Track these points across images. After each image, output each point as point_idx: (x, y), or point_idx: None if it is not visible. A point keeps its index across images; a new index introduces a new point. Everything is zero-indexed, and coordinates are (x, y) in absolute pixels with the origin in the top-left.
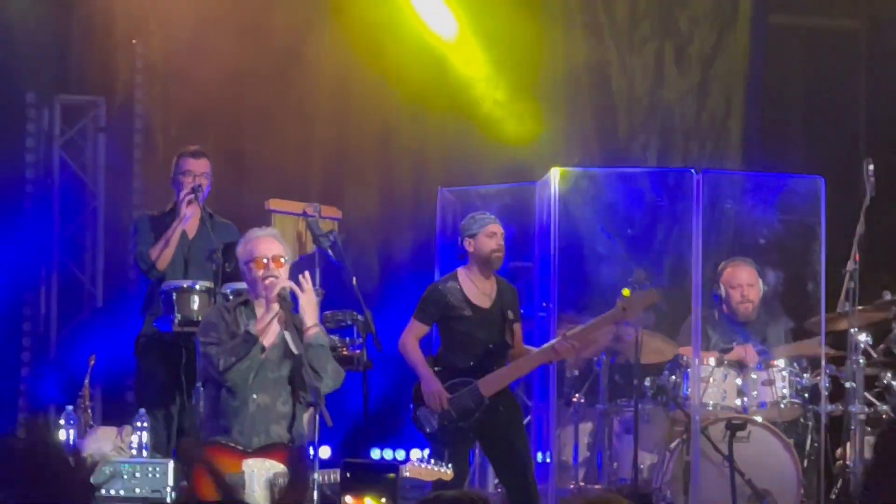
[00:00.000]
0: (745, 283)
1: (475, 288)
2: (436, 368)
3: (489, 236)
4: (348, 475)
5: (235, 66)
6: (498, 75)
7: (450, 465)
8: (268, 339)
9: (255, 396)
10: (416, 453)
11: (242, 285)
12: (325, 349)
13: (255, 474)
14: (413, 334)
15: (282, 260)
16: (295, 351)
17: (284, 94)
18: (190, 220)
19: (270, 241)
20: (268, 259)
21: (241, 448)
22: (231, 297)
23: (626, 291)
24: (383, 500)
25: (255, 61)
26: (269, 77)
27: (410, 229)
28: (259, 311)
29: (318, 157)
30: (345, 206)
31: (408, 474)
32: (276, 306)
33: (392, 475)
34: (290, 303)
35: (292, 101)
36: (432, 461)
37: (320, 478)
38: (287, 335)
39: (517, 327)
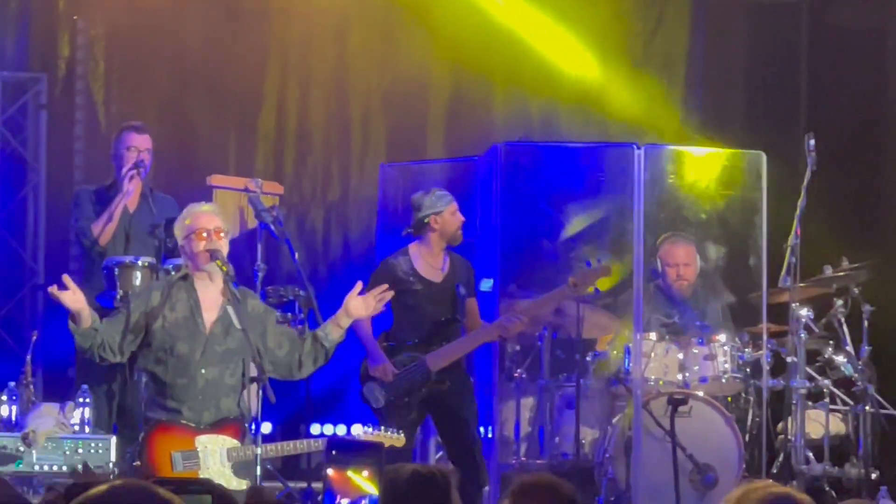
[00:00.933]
0: (682, 262)
1: (426, 263)
2: (386, 343)
3: (453, 213)
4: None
5: (177, 40)
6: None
7: (400, 432)
8: (210, 315)
9: (203, 371)
10: (357, 428)
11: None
12: (331, 351)
13: (209, 449)
14: None
15: (222, 234)
16: (237, 325)
17: (227, 70)
18: (131, 195)
19: (211, 215)
20: (208, 232)
21: (192, 425)
22: (172, 272)
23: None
24: (365, 472)
25: (198, 36)
26: (211, 52)
27: (352, 204)
28: (199, 284)
29: (261, 133)
30: (286, 181)
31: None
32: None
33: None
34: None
35: (235, 76)
36: (381, 428)
37: (263, 452)
38: (230, 309)
39: (471, 302)
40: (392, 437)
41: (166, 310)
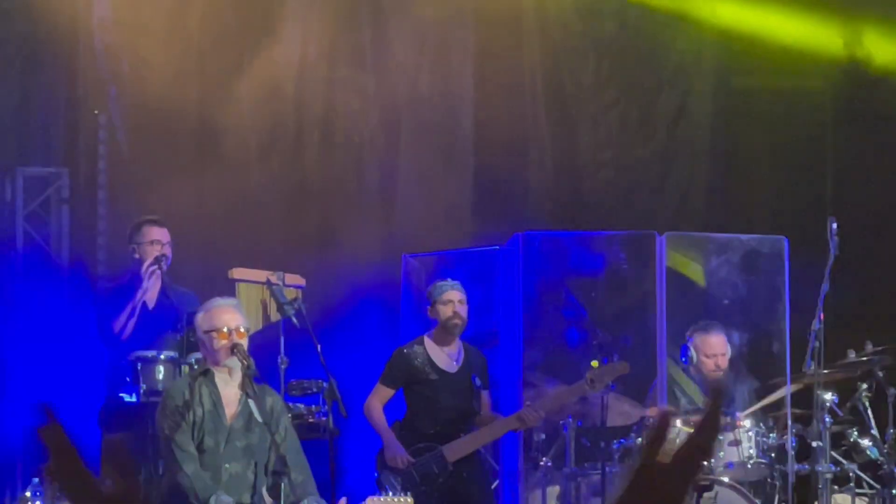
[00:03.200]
0: (720, 352)
1: (441, 352)
2: (401, 433)
3: (444, 304)
4: None
5: (197, 133)
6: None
7: (409, 494)
8: (231, 409)
9: (226, 466)
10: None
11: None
12: None
13: None
14: (378, 398)
15: (242, 330)
16: (259, 419)
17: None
18: (151, 290)
19: (233, 312)
20: (230, 329)
21: None
22: (196, 367)
23: (594, 363)
24: None
25: (215, 135)
26: (230, 143)
27: (376, 296)
28: (219, 379)
29: (281, 224)
30: (308, 273)
31: None
32: None
33: None
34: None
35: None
36: (390, 494)
37: None
38: (252, 403)
39: (485, 395)
40: (401, 502)
41: (195, 405)
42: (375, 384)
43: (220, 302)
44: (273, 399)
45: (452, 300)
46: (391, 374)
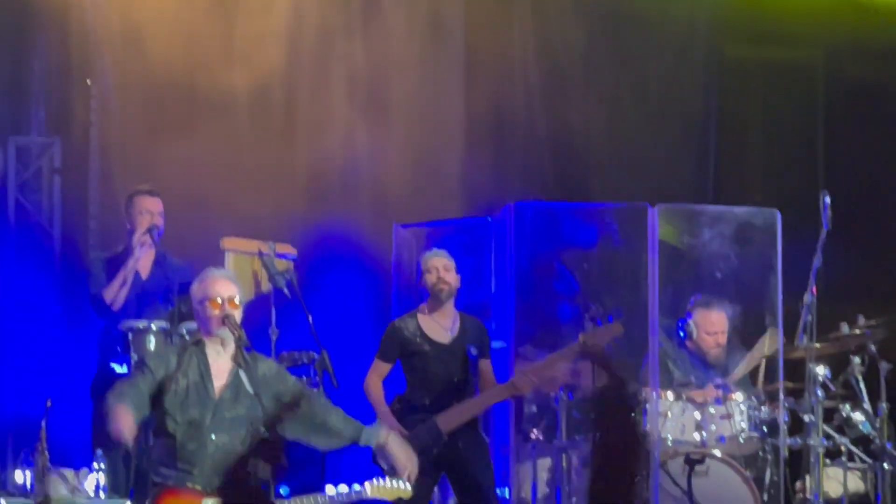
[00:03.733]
0: (719, 329)
1: (435, 323)
2: (400, 406)
3: (429, 271)
4: None
5: (189, 103)
6: None
7: (407, 483)
8: (220, 381)
9: (213, 437)
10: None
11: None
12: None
13: None
14: (376, 373)
15: (236, 301)
16: (249, 390)
17: (236, 130)
18: (143, 258)
19: (226, 282)
20: (223, 299)
21: (198, 488)
22: (187, 337)
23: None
24: None
25: (207, 98)
26: (222, 114)
27: (367, 266)
28: (210, 350)
29: (273, 195)
30: (300, 242)
31: (369, 493)
32: None
33: None
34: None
35: (245, 137)
36: (387, 479)
37: None
38: (242, 374)
39: (485, 363)
40: (399, 490)
41: (180, 375)
42: (373, 361)
43: (214, 272)
44: (266, 366)
45: (437, 266)
46: (385, 349)
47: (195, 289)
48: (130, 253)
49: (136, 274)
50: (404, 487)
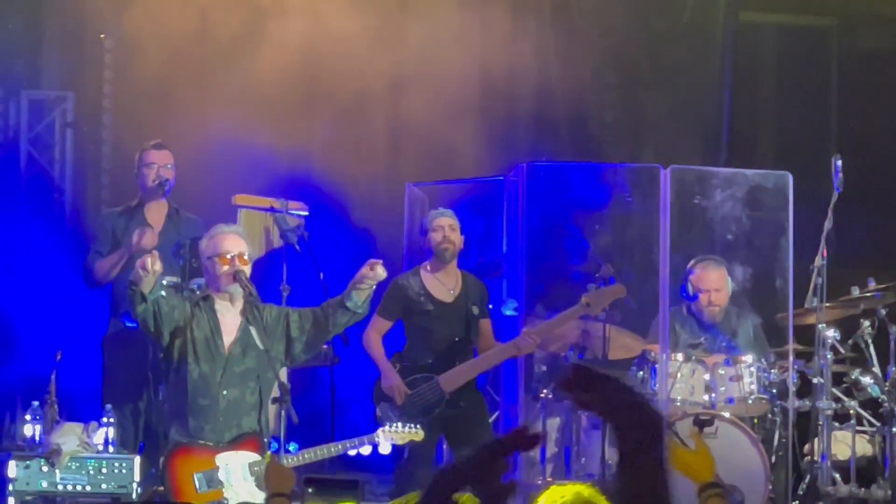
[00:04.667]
0: (714, 287)
1: (437, 282)
2: (400, 364)
3: (434, 230)
4: (310, 490)
5: (202, 60)
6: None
7: (418, 427)
8: (229, 336)
9: (224, 392)
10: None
11: None
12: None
13: (230, 467)
14: (375, 329)
15: (245, 257)
16: (260, 345)
17: (250, 87)
18: (154, 210)
19: (236, 238)
20: (233, 255)
21: (211, 444)
22: (197, 292)
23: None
24: None
25: (220, 54)
26: (237, 70)
27: (379, 223)
28: (219, 306)
29: (288, 150)
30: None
31: (383, 439)
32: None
33: (356, 490)
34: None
35: (259, 94)
36: (399, 425)
37: (288, 461)
38: (252, 329)
39: (484, 323)
40: (412, 433)
41: (191, 327)
42: (373, 315)
43: (223, 228)
44: (268, 312)
45: (443, 225)
46: (387, 306)
47: (204, 244)
48: (144, 203)
49: (151, 229)
50: (416, 431)
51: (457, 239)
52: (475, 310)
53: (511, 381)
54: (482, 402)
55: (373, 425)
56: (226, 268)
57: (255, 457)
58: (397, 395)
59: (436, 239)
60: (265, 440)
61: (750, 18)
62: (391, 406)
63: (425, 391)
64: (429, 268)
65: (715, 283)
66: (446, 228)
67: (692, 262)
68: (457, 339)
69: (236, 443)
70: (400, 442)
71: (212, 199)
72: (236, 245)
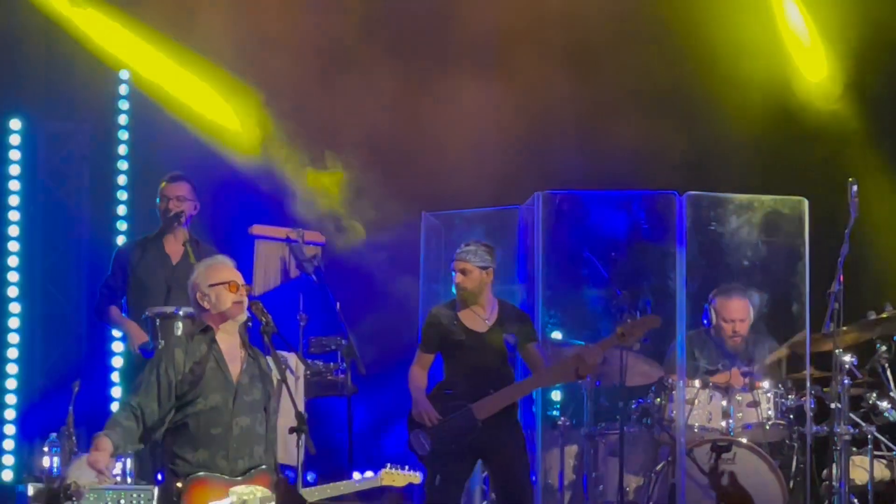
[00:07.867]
0: (738, 318)
1: (471, 312)
2: (440, 392)
3: (454, 271)
4: None
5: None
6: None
7: (418, 472)
8: (235, 366)
9: (237, 420)
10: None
11: None
12: None
13: (244, 501)
14: (418, 363)
15: (249, 285)
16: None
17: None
18: (172, 242)
19: (234, 270)
20: (240, 284)
21: (226, 477)
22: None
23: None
24: None
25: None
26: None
27: (395, 253)
28: (220, 336)
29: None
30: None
31: (382, 482)
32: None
33: None
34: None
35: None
36: (398, 466)
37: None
38: (252, 360)
39: (530, 348)
40: (410, 476)
41: (192, 363)
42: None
43: (220, 258)
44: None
45: (458, 269)
46: (426, 338)
47: (202, 275)
48: (165, 232)
49: (168, 257)
50: (415, 474)
51: (470, 283)
52: (512, 338)
53: (528, 408)
54: (519, 429)
55: (391, 453)
56: (233, 295)
57: (266, 492)
58: (426, 420)
59: (455, 281)
60: (277, 475)
61: None
62: (424, 433)
63: (457, 417)
64: None
65: (738, 312)
66: (457, 274)
67: (715, 290)
68: (490, 367)
69: (249, 477)
70: (399, 484)
71: (226, 230)
72: (237, 274)
